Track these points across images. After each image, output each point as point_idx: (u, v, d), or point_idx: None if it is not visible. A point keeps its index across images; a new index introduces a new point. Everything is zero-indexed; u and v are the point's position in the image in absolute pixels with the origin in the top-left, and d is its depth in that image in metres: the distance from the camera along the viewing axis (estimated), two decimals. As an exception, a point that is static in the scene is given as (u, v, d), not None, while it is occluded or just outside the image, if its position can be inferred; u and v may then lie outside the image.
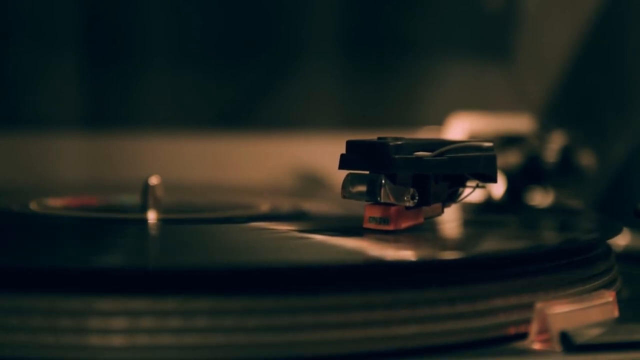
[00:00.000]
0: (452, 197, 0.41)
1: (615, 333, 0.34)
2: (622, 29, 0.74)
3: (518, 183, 0.61)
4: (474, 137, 0.62)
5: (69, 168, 0.77)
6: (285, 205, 0.52)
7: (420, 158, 0.39)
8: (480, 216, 0.51)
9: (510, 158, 0.61)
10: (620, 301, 0.37)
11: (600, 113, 0.74)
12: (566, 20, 0.77)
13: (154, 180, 0.47)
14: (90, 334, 0.30)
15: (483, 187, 0.42)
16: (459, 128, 0.65)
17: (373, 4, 0.82)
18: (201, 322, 0.31)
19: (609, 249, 0.42)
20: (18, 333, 0.30)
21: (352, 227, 0.41)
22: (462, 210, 0.49)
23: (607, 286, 0.39)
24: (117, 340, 0.30)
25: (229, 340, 0.31)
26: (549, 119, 0.73)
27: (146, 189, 0.47)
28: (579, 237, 0.42)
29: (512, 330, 0.34)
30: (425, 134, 0.71)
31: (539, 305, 0.34)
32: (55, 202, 0.52)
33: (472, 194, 0.42)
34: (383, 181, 0.38)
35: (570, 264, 0.37)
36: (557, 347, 0.33)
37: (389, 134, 0.42)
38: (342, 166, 0.39)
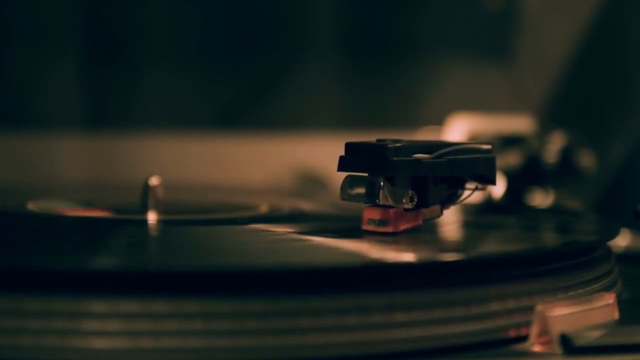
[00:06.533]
0: (451, 199, 0.41)
1: (616, 335, 0.34)
2: (622, 29, 0.74)
3: (518, 184, 0.60)
4: (473, 139, 0.62)
5: (69, 168, 0.77)
6: (285, 206, 0.52)
7: (418, 160, 0.39)
8: (480, 217, 0.51)
9: (510, 159, 0.61)
10: (621, 302, 0.36)
11: (600, 113, 0.74)
12: (566, 20, 0.77)
13: (154, 180, 0.47)
14: (88, 336, 0.30)
15: (482, 189, 0.42)
16: (458, 128, 0.65)
17: (373, 4, 0.82)
18: (199, 325, 0.31)
19: (609, 250, 0.42)
20: (17, 334, 0.30)
21: (351, 229, 0.41)
22: (462, 211, 0.49)
23: (607, 288, 0.39)
24: (111, 343, 0.30)
25: (226, 343, 0.31)
26: (549, 119, 0.73)
27: (146, 189, 0.47)
28: (579, 239, 0.42)
29: (513, 333, 0.34)
30: (425, 134, 0.71)
31: (539, 307, 0.34)
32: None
33: (471, 195, 0.42)
34: (382, 183, 0.38)
35: (570, 266, 0.37)
36: (558, 349, 0.33)
37: (388, 134, 0.42)
38: (340, 168, 0.39)
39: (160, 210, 0.47)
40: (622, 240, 0.53)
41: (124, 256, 0.36)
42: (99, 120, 0.78)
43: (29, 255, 0.36)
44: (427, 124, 0.73)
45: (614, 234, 0.42)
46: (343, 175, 0.40)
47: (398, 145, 0.38)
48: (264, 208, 0.51)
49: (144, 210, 0.47)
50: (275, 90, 0.80)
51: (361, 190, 0.39)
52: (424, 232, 0.40)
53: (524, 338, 0.34)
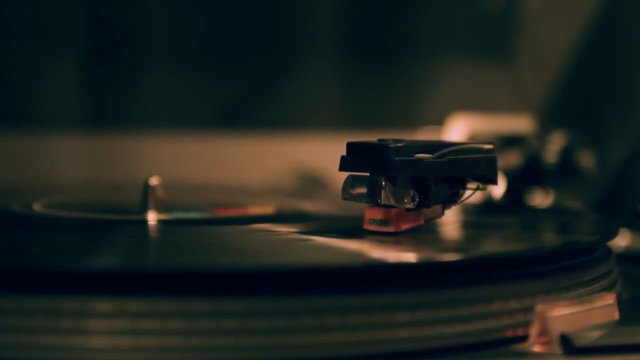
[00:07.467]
0: (452, 198, 0.41)
1: (616, 335, 0.34)
2: (622, 29, 0.74)
3: (518, 184, 0.60)
4: (474, 139, 0.62)
5: (69, 168, 0.77)
6: (286, 206, 0.52)
7: (420, 160, 0.39)
8: (480, 217, 0.51)
9: (510, 159, 0.61)
10: (621, 303, 0.36)
11: (600, 113, 0.74)
12: (566, 20, 0.77)
13: (154, 180, 0.47)
14: (88, 336, 0.30)
15: (483, 189, 0.42)
16: (458, 128, 0.65)
17: (373, 4, 0.82)
18: (204, 324, 0.31)
19: (609, 250, 0.42)
20: (18, 334, 0.30)
21: (352, 229, 0.41)
22: (462, 211, 0.49)
23: (607, 288, 0.39)
24: (111, 342, 0.30)
25: (227, 343, 0.31)
26: (549, 119, 0.73)
27: (146, 189, 0.47)
28: (579, 239, 0.42)
29: (513, 333, 0.34)
30: (425, 134, 0.71)
31: (539, 307, 0.34)
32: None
33: (473, 195, 0.42)
34: (383, 183, 0.38)
35: (570, 266, 0.37)
36: (558, 349, 0.33)
37: (389, 134, 0.42)
38: (342, 168, 0.39)
39: (160, 210, 0.47)
40: (622, 240, 0.53)
41: (123, 256, 0.36)
42: (99, 120, 0.78)
43: (29, 256, 0.36)
44: (427, 124, 0.73)
45: (613, 233, 0.42)
46: (343, 175, 0.40)
47: (399, 145, 0.38)
48: (264, 208, 0.51)
49: (144, 210, 0.47)
50: (275, 90, 0.80)
51: (362, 190, 0.39)
52: (425, 232, 0.40)
53: (524, 338, 0.34)
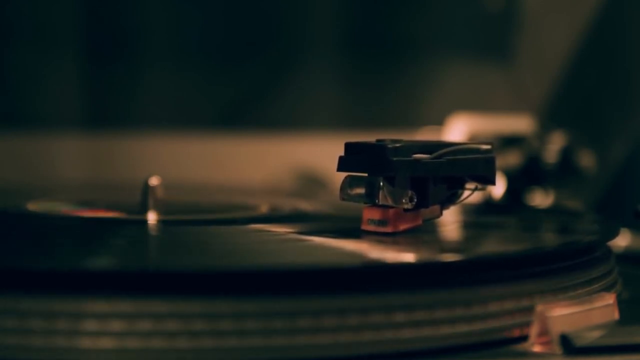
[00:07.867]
0: (450, 199, 0.41)
1: (616, 335, 0.34)
2: (622, 29, 0.74)
3: (518, 184, 0.60)
4: (473, 139, 0.62)
5: (69, 168, 0.77)
6: (285, 206, 0.52)
7: (418, 160, 0.39)
8: (480, 217, 0.51)
9: (510, 159, 0.61)
10: (621, 303, 0.36)
11: (600, 113, 0.74)
12: (566, 20, 0.77)
13: (154, 180, 0.47)
14: (88, 336, 0.30)
15: (482, 189, 0.42)
16: (458, 128, 0.65)
17: (373, 4, 0.82)
18: (199, 326, 0.31)
19: (609, 250, 0.42)
20: (14, 334, 0.30)
21: (350, 229, 0.40)
22: (462, 211, 0.49)
23: (607, 288, 0.39)
24: (111, 343, 0.30)
25: (225, 343, 0.31)
26: (549, 119, 0.73)
27: (146, 189, 0.47)
28: (579, 239, 0.42)
29: (513, 333, 0.34)
30: (425, 134, 0.71)
31: (539, 307, 0.34)
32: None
33: (471, 195, 0.42)
34: (381, 183, 0.38)
35: (570, 266, 0.37)
36: (558, 349, 0.33)
37: (388, 134, 0.42)
38: (340, 168, 0.39)
39: (160, 210, 0.47)
40: (622, 240, 0.53)
41: (123, 256, 0.36)
42: (99, 120, 0.78)
43: (28, 256, 0.36)
44: (427, 124, 0.73)
45: (614, 234, 0.42)
46: (343, 175, 0.40)
47: (398, 145, 0.38)
48: (264, 208, 0.51)
49: (144, 210, 0.47)
50: (275, 90, 0.80)
51: (361, 190, 0.39)
52: (423, 233, 0.40)
53: (524, 338, 0.34)
